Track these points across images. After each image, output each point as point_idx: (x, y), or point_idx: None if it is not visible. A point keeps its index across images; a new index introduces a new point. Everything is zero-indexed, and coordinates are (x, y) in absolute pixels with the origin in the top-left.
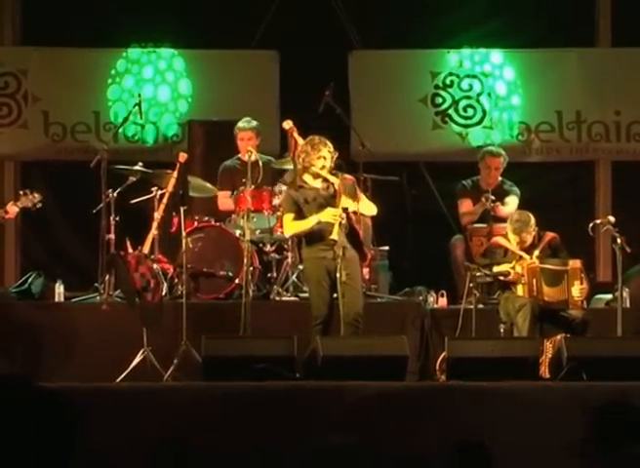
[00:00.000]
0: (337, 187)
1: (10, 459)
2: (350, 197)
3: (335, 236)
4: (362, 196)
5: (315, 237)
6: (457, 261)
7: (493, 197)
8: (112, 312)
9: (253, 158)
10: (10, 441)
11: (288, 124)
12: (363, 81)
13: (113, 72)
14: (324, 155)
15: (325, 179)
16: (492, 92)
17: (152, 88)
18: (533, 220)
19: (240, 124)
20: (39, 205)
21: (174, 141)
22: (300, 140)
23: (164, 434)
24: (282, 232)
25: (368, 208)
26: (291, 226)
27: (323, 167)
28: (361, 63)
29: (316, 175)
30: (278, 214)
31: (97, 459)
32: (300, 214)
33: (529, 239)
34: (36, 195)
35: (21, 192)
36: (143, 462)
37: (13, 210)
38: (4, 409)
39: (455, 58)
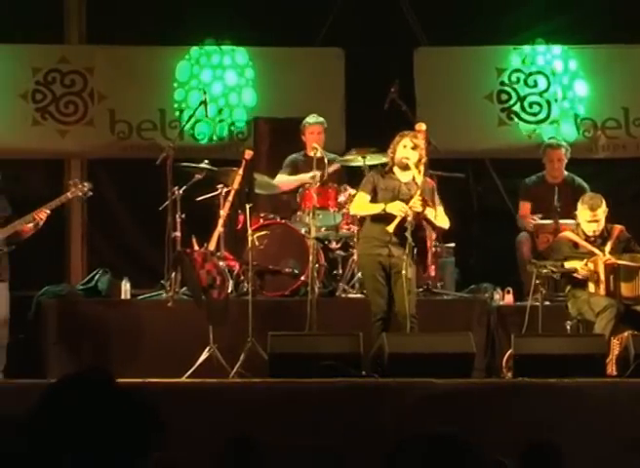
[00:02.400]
0: (417, 185)
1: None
2: (426, 200)
3: (391, 228)
4: (439, 208)
5: (374, 232)
6: (522, 258)
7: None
8: (178, 309)
9: (318, 155)
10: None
11: (420, 126)
12: (428, 78)
13: (180, 68)
14: (405, 145)
15: (413, 179)
16: (557, 88)
17: (218, 85)
18: (604, 203)
19: (309, 119)
20: (89, 194)
21: (239, 139)
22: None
23: (230, 431)
24: (348, 229)
25: (440, 218)
26: (358, 205)
27: (405, 157)
28: (426, 60)
29: (405, 169)
30: (344, 210)
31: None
32: (373, 199)
33: (602, 218)
34: (86, 184)
35: (71, 182)
36: (210, 460)
37: (42, 215)
38: (86, 406)
39: (520, 55)
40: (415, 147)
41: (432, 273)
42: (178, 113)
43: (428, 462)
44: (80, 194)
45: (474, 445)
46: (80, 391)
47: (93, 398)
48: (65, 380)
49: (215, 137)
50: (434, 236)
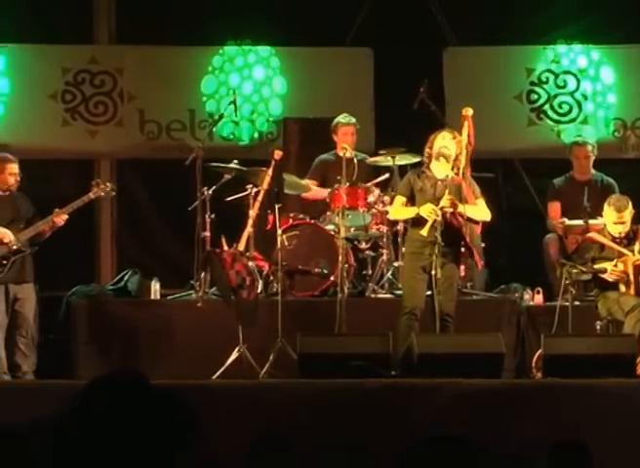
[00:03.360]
0: (447, 184)
1: (126, 458)
2: (453, 198)
3: (424, 232)
4: (480, 200)
5: (414, 233)
6: (550, 259)
7: None
8: (208, 309)
9: (348, 155)
10: (125, 438)
11: (467, 111)
12: (458, 78)
13: (209, 69)
14: (442, 137)
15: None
16: (587, 88)
17: (247, 85)
18: (630, 204)
19: (342, 119)
20: (112, 194)
21: (269, 139)
22: (466, 131)
23: (260, 431)
24: (377, 229)
25: (478, 212)
26: (395, 211)
27: (443, 146)
28: (456, 60)
29: (444, 160)
30: (373, 211)
31: (193, 457)
32: (411, 201)
33: (628, 220)
34: (108, 184)
35: (93, 182)
36: (239, 460)
37: (61, 218)
38: (119, 408)
39: (550, 55)
40: (454, 138)
41: (462, 273)
42: (207, 113)
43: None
44: (103, 194)
45: (487, 445)
46: (112, 392)
47: (125, 399)
48: (97, 382)
49: (244, 138)
50: (479, 230)
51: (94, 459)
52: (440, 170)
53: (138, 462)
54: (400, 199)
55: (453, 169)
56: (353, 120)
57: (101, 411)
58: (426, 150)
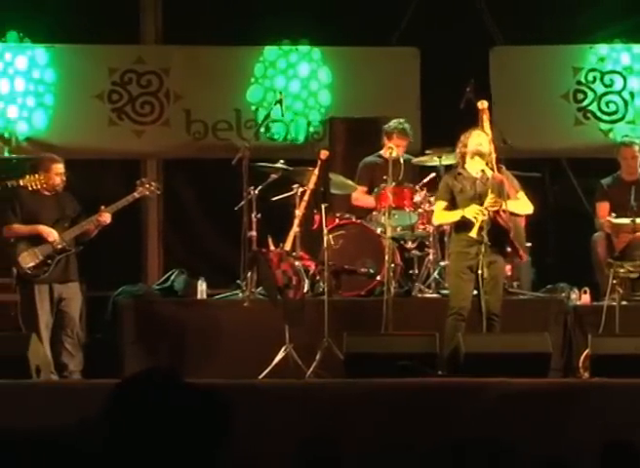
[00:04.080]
0: (488, 182)
1: (162, 457)
2: (497, 195)
3: (473, 234)
4: (520, 193)
5: (461, 232)
6: (598, 258)
7: None
8: (254, 309)
9: (394, 155)
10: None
11: (482, 104)
12: (504, 77)
13: (254, 70)
14: (476, 136)
15: (483, 171)
16: (634, 87)
17: (293, 85)
18: None
19: (400, 128)
20: (157, 193)
21: (315, 139)
22: (487, 124)
23: (306, 431)
24: (424, 229)
25: (520, 206)
26: (439, 215)
27: (478, 144)
28: (502, 59)
29: (479, 158)
30: (419, 210)
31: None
32: (452, 204)
33: None
34: (153, 184)
35: (138, 182)
36: (286, 460)
37: (105, 217)
38: (155, 406)
39: (597, 54)
40: (486, 136)
41: (509, 273)
42: (253, 113)
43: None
44: (148, 193)
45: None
46: (144, 391)
47: (156, 397)
48: (127, 382)
49: (290, 137)
50: (523, 223)
51: (128, 459)
52: (476, 167)
53: (172, 461)
54: (441, 204)
55: (487, 165)
56: (411, 133)
57: (133, 410)
58: (459, 150)
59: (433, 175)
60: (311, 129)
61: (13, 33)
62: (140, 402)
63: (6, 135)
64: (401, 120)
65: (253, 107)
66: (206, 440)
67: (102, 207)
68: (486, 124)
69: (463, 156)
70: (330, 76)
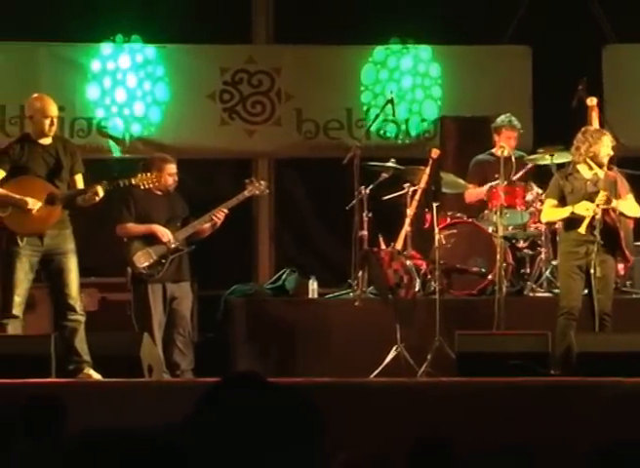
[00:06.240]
0: (599, 183)
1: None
2: (609, 194)
3: (582, 230)
4: (629, 195)
5: (570, 231)
6: None
7: None
8: (365, 308)
9: (505, 154)
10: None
11: (592, 101)
12: (617, 75)
13: (364, 69)
14: (607, 145)
15: (594, 172)
16: None
17: (404, 84)
18: None
19: (508, 122)
20: (267, 192)
21: (426, 138)
22: (596, 122)
23: (418, 430)
24: (535, 228)
25: (629, 208)
26: (547, 213)
27: (607, 155)
28: (615, 58)
29: (591, 167)
30: (531, 209)
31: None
32: (562, 203)
33: None
34: (262, 182)
35: (247, 181)
36: (398, 459)
37: (217, 216)
38: (236, 407)
39: None
40: (611, 141)
41: (622, 272)
42: (364, 112)
43: None
44: (257, 192)
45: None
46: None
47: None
48: (214, 388)
49: (401, 136)
50: (631, 225)
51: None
52: (588, 172)
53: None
54: (551, 201)
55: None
56: (519, 125)
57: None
58: (581, 151)
59: (530, 166)
60: (422, 128)
61: (122, 35)
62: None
63: (119, 135)
64: (507, 114)
65: (364, 107)
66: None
67: (217, 209)
68: (595, 121)
69: (582, 157)
70: (440, 75)
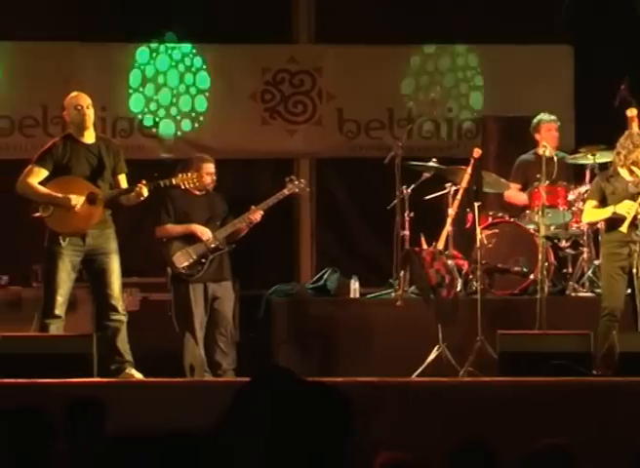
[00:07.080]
0: None
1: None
2: None
3: (624, 229)
4: None
5: (612, 233)
6: None
7: None
8: (407, 308)
9: (547, 153)
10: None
11: (631, 112)
12: None
13: (405, 68)
14: None
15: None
16: None
17: (447, 83)
18: None
19: (543, 116)
20: (307, 190)
21: (468, 137)
22: (637, 129)
23: (460, 430)
24: (577, 227)
25: None
26: (588, 213)
27: None
28: None
29: (632, 171)
30: (573, 209)
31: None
32: (602, 204)
33: None
34: (302, 181)
35: (287, 179)
36: (440, 459)
37: (256, 215)
38: (271, 406)
39: None
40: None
41: None
42: (405, 111)
43: None
44: (297, 191)
45: None
46: (265, 392)
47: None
48: (246, 388)
49: (443, 136)
50: None
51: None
52: (627, 176)
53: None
54: (592, 202)
55: None
56: (555, 117)
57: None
58: (622, 154)
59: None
60: (464, 128)
61: (170, 34)
62: (260, 401)
63: (163, 135)
64: (544, 112)
65: (405, 106)
66: (326, 438)
67: (253, 207)
68: (635, 129)
69: (623, 160)
70: (482, 74)
